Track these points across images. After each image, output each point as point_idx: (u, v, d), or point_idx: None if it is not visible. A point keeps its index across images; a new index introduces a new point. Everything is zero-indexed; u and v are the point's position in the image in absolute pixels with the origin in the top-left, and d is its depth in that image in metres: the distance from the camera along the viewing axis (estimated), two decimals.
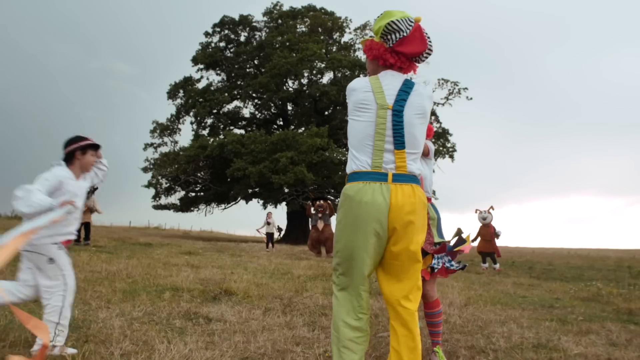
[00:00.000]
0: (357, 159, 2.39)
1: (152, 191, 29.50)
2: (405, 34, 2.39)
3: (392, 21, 2.38)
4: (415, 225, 2.32)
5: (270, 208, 28.88)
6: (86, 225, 12.90)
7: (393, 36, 2.40)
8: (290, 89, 29.11)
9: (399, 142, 2.34)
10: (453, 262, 3.46)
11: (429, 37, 2.45)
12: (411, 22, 2.40)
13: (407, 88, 2.42)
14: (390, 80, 2.45)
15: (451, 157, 28.81)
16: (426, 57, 2.50)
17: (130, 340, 3.43)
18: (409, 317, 2.31)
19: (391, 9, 2.46)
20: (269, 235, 17.52)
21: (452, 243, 3.51)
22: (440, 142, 28.68)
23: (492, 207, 13.38)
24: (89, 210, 12.75)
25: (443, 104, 30.71)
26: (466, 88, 30.22)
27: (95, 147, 3.34)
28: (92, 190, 12.83)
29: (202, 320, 4.33)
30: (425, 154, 3.55)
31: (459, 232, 3.69)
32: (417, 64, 2.53)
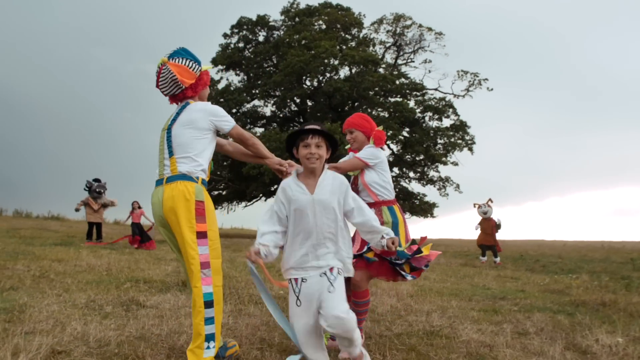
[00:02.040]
0: (156, 172, 3.09)
1: None
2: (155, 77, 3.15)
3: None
4: (177, 214, 2.87)
5: None
6: (97, 226, 13.51)
7: None
8: (308, 86, 29.41)
9: (170, 151, 3.01)
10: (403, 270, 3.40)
11: (165, 71, 3.08)
12: (159, 65, 3.09)
13: (180, 110, 3.11)
14: (174, 109, 3.21)
15: (470, 149, 28.55)
16: (174, 89, 3.13)
17: (48, 321, 3.79)
18: (194, 296, 2.87)
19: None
20: None
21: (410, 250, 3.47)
22: (459, 135, 28.44)
23: (490, 200, 13.39)
24: (102, 207, 13.37)
25: (463, 96, 30.46)
26: (486, 79, 29.83)
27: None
28: (101, 192, 13.43)
29: (134, 307, 4.67)
30: (358, 167, 3.66)
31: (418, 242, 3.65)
32: (182, 90, 3.14)
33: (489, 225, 13.13)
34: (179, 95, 3.14)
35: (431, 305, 5.42)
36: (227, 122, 3.11)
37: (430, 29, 29.67)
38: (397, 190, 29.42)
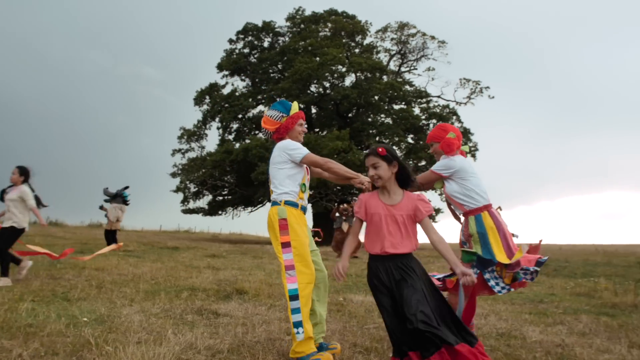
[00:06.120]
0: None
1: (181, 196, 30.55)
2: None
3: None
4: (269, 231, 3.64)
5: None
6: (114, 233, 13.64)
7: None
8: (314, 93, 29.75)
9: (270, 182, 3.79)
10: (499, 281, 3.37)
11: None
12: None
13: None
14: None
15: (473, 156, 28.95)
16: (266, 135, 3.98)
17: (145, 331, 4.06)
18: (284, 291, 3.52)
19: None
20: None
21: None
22: (463, 141, 28.82)
23: (499, 208, 13.68)
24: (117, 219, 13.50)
25: (465, 104, 30.93)
26: (488, 87, 30.35)
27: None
28: (116, 196, 13.57)
29: (211, 315, 4.94)
30: (432, 179, 3.79)
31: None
32: (270, 135, 3.91)
33: None
34: (273, 137, 3.86)
35: (481, 309, 5.72)
36: (299, 153, 3.63)
37: (433, 38, 30.16)
38: None
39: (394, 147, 29.17)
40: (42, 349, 3.40)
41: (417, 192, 3.17)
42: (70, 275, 7.39)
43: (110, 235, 13.61)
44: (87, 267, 8.49)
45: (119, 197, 13.50)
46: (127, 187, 13.81)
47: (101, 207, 13.85)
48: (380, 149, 3.05)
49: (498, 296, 6.90)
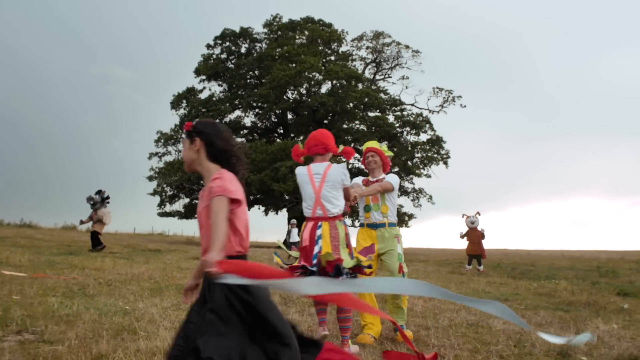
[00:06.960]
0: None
1: (156, 199, 30.83)
2: None
3: None
4: None
5: (271, 214, 30.19)
6: (94, 234, 13.97)
7: None
8: (290, 99, 30.43)
9: None
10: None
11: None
12: None
13: None
14: None
15: (445, 163, 30.11)
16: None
17: (167, 320, 4.67)
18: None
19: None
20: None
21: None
22: (435, 149, 30.00)
23: (478, 213, 14.56)
24: (99, 220, 13.84)
25: (438, 112, 32.08)
26: (460, 96, 31.59)
27: None
28: (103, 200, 13.97)
29: None
30: None
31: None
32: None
33: (476, 235, 14.26)
34: None
35: (452, 305, 6.49)
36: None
37: (407, 47, 31.22)
38: None
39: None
40: (88, 333, 3.99)
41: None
42: (76, 274, 7.88)
43: (95, 237, 13.99)
44: (86, 267, 8.96)
45: (104, 201, 13.95)
46: (100, 191, 14.19)
47: (95, 218, 14.07)
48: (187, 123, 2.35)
49: (472, 296, 7.70)
